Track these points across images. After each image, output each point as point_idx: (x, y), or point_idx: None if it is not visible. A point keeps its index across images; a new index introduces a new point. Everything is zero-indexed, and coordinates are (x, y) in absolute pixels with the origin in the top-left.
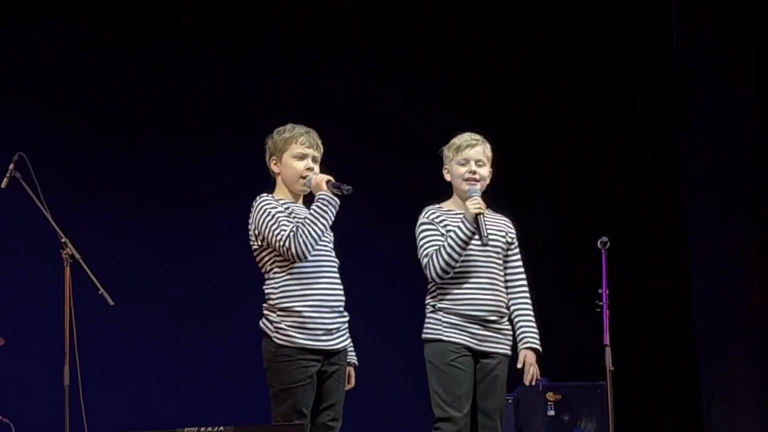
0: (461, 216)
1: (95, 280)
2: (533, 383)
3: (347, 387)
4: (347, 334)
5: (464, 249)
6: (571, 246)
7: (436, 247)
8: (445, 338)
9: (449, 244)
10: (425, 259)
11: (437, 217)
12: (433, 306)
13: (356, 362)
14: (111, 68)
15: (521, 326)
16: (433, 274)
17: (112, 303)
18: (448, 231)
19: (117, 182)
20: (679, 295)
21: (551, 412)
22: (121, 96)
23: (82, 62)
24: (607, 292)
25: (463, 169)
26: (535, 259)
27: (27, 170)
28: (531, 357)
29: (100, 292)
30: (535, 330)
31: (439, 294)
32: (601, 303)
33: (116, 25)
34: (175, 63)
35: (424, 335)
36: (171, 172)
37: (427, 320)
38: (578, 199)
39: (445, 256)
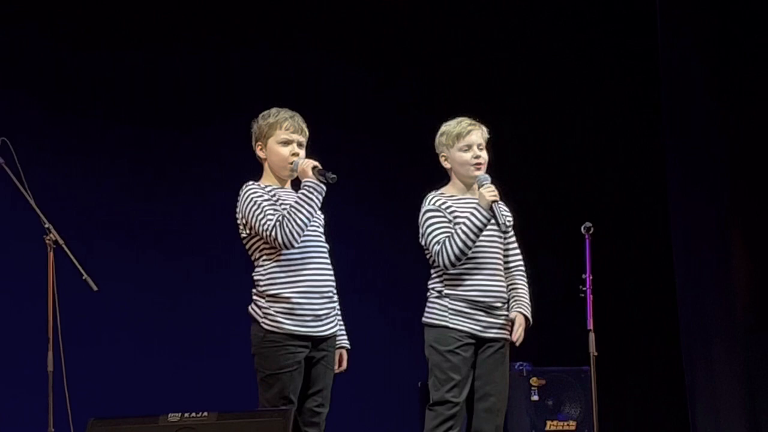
0: (468, 201)
1: (79, 266)
2: (517, 344)
3: (339, 370)
4: (337, 320)
5: (478, 237)
6: (554, 231)
7: (448, 234)
8: (450, 325)
9: (464, 231)
10: (437, 246)
11: (443, 203)
12: (439, 292)
13: (348, 345)
14: (94, 52)
15: (516, 296)
16: (446, 262)
17: (95, 288)
18: (455, 217)
19: (102, 167)
20: (663, 280)
21: (535, 397)
22: (105, 80)
23: (64, 46)
24: (591, 277)
25: (467, 155)
26: (519, 244)
27: (10, 155)
28: (521, 319)
29: (83, 277)
30: (529, 302)
31: (446, 280)
32: (584, 288)
33: (99, 9)
34: (159, 45)
35: (427, 319)
36: (158, 156)
37: (430, 305)
38: (561, 185)
39: (460, 244)
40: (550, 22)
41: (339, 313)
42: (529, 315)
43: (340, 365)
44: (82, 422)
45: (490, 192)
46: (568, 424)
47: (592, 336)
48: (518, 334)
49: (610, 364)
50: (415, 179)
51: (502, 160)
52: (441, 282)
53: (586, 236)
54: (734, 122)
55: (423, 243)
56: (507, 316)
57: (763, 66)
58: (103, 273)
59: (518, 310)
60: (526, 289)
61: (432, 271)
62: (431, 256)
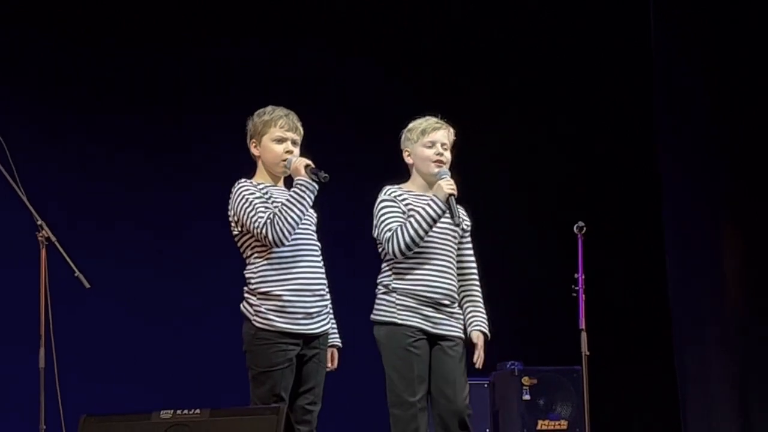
0: (425, 197)
1: (71, 263)
2: (479, 367)
3: (330, 368)
4: (328, 318)
5: (431, 228)
6: (547, 231)
7: (399, 223)
8: (399, 321)
9: (417, 221)
10: (388, 234)
11: (399, 195)
12: (386, 286)
13: (340, 344)
14: (85, 49)
15: (471, 311)
16: (396, 250)
17: (88, 286)
18: (410, 210)
19: (96, 163)
20: (655, 280)
21: (527, 397)
22: (97, 77)
23: (54, 44)
24: (583, 276)
25: (430, 152)
26: (512, 244)
27: (3, 152)
28: (481, 340)
29: (75, 274)
30: (485, 316)
31: (393, 274)
32: (577, 288)
33: (87, 7)
34: (155, 37)
35: (375, 316)
36: (151, 155)
37: (378, 301)
38: (554, 184)
39: (411, 232)
40: (543, 19)
41: (331, 311)
42: (487, 331)
43: (331, 363)
44: (74, 419)
45: (448, 184)
46: (559, 424)
47: (584, 335)
48: (479, 357)
49: (601, 363)
50: (406, 175)
51: (496, 161)
52: (389, 276)
53: (579, 236)
54: (726, 120)
55: (375, 234)
56: (458, 314)
57: (757, 64)
58: (95, 270)
59: (477, 328)
60: (481, 300)
61: (383, 264)
62: (382, 246)
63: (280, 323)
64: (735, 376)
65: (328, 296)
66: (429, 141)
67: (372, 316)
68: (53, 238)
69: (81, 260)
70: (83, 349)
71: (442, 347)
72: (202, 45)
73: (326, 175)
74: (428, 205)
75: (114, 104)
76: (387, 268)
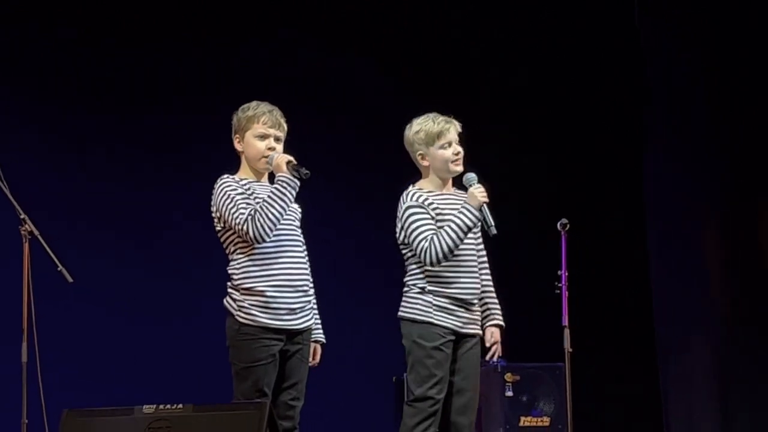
0: (449, 197)
1: (54, 257)
2: (494, 360)
3: (312, 363)
4: (312, 313)
5: (466, 236)
6: (530, 228)
7: (433, 232)
8: (435, 321)
9: (453, 230)
10: (423, 243)
11: (425, 200)
12: (422, 288)
13: (323, 340)
14: (68, 39)
15: (487, 304)
16: (433, 259)
17: (71, 280)
18: (438, 214)
19: (79, 157)
20: (638, 277)
21: (509, 393)
22: (83, 71)
23: (37, 34)
24: (567, 273)
25: (447, 153)
26: (494, 241)
27: None
28: (497, 334)
29: (59, 269)
30: (499, 307)
31: (427, 276)
32: (560, 284)
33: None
34: (142, 33)
35: (408, 314)
36: (137, 148)
37: (413, 300)
38: (537, 181)
39: (449, 242)
40: (533, 18)
41: (315, 306)
42: (502, 323)
43: (313, 359)
44: (57, 413)
45: (480, 192)
46: (542, 420)
47: (567, 332)
48: (494, 352)
49: (584, 360)
50: (393, 173)
51: (479, 156)
52: (423, 278)
53: (562, 233)
54: (710, 116)
55: (402, 238)
56: (479, 311)
57: (745, 64)
58: (78, 265)
59: (493, 323)
60: (494, 292)
61: (411, 267)
62: (414, 253)
63: (263, 318)
64: (717, 374)
65: (311, 292)
66: (445, 142)
67: (402, 314)
68: (36, 233)
69: (63, 256)
70: (66, 344)
71: (464, 345)
72: (201, 44)
73: (307, 171)
74: (462, 214)
75: (107, 102)
76: (417, 270)
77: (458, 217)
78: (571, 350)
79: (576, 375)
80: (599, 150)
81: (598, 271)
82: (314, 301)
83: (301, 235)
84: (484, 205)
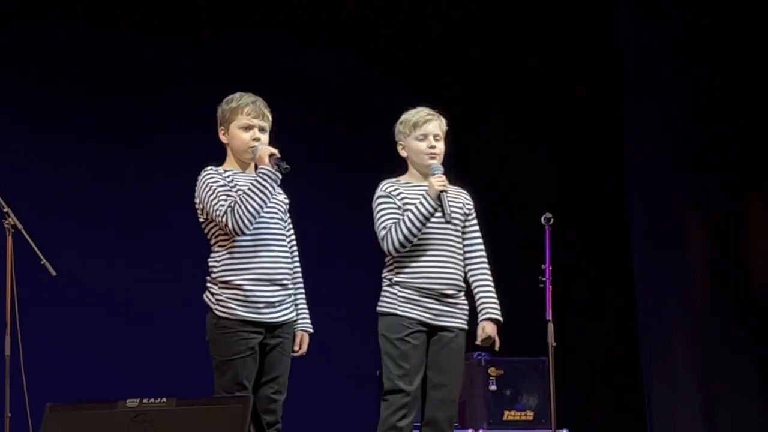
0: (420, 189)
1: (37, 251)
2: (480, 354)
3: (300, 353)
4: (293, 307)
5: (424, 225)
6: (514, 222)
7: (395, 221)
8: (399, 312)
9: (409, 219)
10: (383, 232)
11: (395, 190)
12: (390, 279)
13: (311, 329)
14: (53, 31)
15: (481, 297)
16: (390, 248)
17: (54, 273)
18: (405, 204)
19: (64, 150)
20: (621, 271)
21: (493, 387)
22: (67, 63)
23: (22, 26)
24: (550, 268)
25: (422, 145)
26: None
27: None
28: (491, 328)
29: (42, 262)
30: (496, 301)
31: (396, 267)
32: (544, 279)
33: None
34: (125, 25)
35: (378, 308)
36: (119, 141)
37: (382, 293)
38: (521, 175)
39: (405, 231)
40: (513, 11)
41: (299, 299)
42: (499, 316)
43: (299, 347)
44: (40, 407)
45: (439, 181)
46: (525, 414)
47: (550, 326)
48: (496, 342)
49: (568, 354)
50: (377, 166)
51: (463, 150)
52: (392, 269)
53: (546, 227)
54: (693, 112)
55: (375, 229)
56: (463, 304)
57: (728, 59)
58: (61, 258)
59: (486, 317)
60: (491, 284)
61: (385, 258)
62: (380, 243)
63: (242, 312)
64: (699, 367)
65: (293, 285)
66: (421, 134)
67: (377, 308)
68: (20, 226)
69: (46, 249)
70: (50, 337)
71: (441, 338)
72: (199, 42)
73: (287, 166)
74: (420, 202)
75: (89, 92)
76: (390, 261)
77: (416, 206)
78: (554, 344)
79: (559, 369)
80: (584, 145)
81: (581, 266)
82: (301, 292)
83: (286, 227)
84: (443, 193)
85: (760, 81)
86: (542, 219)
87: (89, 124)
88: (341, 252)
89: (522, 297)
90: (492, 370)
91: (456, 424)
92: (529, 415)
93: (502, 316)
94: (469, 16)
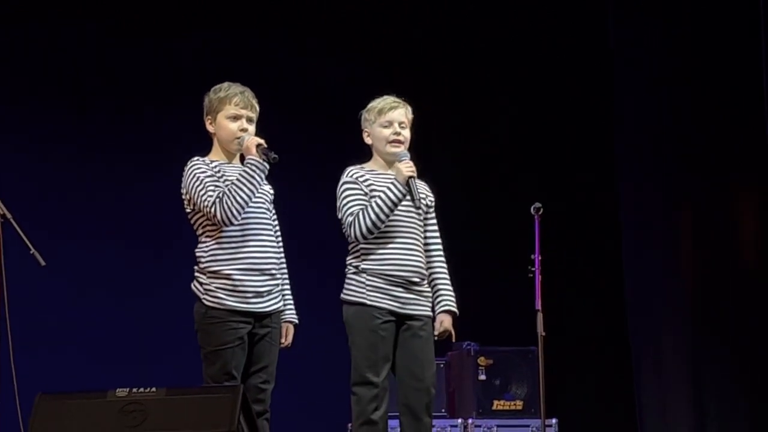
0: (386, 177)
1: (26, 240)
2: (453, 341)
3: (284, 344)
4: (280, 297)
5: (392, 211)
6: (504, 211)
7: (362, 207)
8: (368, 302)
9: (377, 204)
10: (350, 218)
11: (361, 176)
12: (356, 267)
13: (296, 320)
14: (42, 29)
15: (438, 289)
16: (357, 234)
17: (43, 263)
18: (372, 190)
19: (51, 144)
20: (611, 261)
21: (482, 377)
22: (54, 60)
23: (15, 25)
24: (540, 257)
25: (387, 132)
26: (468, 224)
27: None
28: (448, 321)
29: (31, 252)
30: (452, 293)
31: (362, 254)
32: (533, 268)
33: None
34: (112, 25)
35: (344, 296)
36: (107, 133)
37: (348, 281)
38: (512, 165)
39: (373, 217)
40: (501, 12)
41: (286, 289)
42: (455, 309)
43: (285, 339)
44: (30, 397)
45: (407, 167)
46: (515, 404)
47: (540, 316)
48: (452, 335)
49: (557, 344)
50: (356, 157)
51: (452, 140)
52: (358, 257)
53: (536, 217)
54: (684, 108)
55: (339, 216)
56: (427, 292)
57: (715, 56)
58: (51, 248)
59: (444, 309)
60: (447, 277)
61: (350, 246)
62: (345, 229)
63: (230, 302)
64: (688, 358)
65: (280, 275)
66: (386, 121)
67: (341, 296)
68: (9, 215)
69: (36, 239)
70: (39, 327)
71: (411, 327)
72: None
73: (275, 156)
74: (388, 188)
75: (73, 85)
76: (355, 248)
77: (384, 192)
78: (544, 334)
79: (549, 359)
80: (573, 134)
81: (571, 255)
82: (287, 283)
83: (273, 218)
84: (411, 179)
85: (747, 81)
86: (532, 209)
87: (74, 114)
88: (327, 241)
89: (511, 287)
90: (481, 360)
91: (445, 414)
92: (519, 404)
93: (490, 305)
94: (463, 17)
